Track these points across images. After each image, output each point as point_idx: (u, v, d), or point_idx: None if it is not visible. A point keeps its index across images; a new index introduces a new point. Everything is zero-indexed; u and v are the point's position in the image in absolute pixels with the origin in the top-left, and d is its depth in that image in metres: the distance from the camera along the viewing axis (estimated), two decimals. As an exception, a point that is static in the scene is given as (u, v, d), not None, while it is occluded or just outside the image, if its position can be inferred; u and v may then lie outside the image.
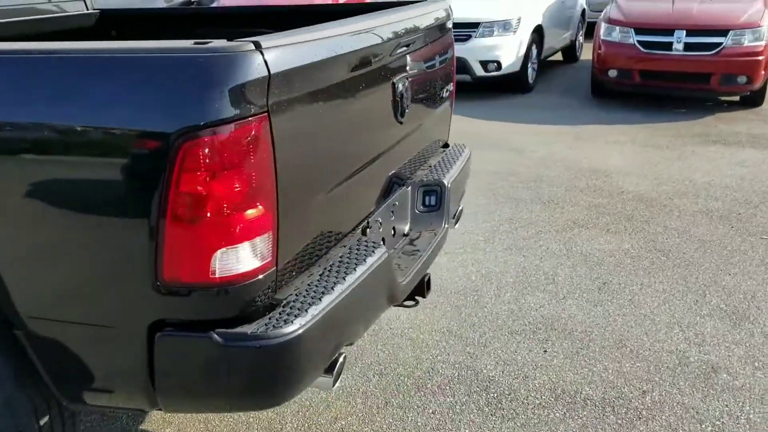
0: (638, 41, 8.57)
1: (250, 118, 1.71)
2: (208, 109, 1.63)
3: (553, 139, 7.51)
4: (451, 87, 3.38)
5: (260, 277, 1.83)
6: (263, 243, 1.81)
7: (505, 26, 9.32)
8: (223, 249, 1.72)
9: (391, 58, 2.48)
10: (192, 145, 1.64)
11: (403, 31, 2.56)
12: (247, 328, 1.82)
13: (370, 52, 2.29)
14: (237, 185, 1.72)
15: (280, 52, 1.79)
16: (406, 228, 2.92)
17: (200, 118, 1.63)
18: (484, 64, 9.25)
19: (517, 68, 9.55)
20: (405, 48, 2.60)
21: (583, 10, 12.33)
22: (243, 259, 1.77)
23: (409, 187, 2.93)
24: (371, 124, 2.43)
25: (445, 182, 3.00)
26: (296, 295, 1.98)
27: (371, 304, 2.28)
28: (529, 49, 9.63)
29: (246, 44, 1.71)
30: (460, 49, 8.94)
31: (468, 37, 9.20)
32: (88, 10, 3.92)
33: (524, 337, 3.66)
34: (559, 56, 12.09)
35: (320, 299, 1.96)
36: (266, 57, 1.73)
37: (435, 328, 3.74)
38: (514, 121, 8.34)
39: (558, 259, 4.58)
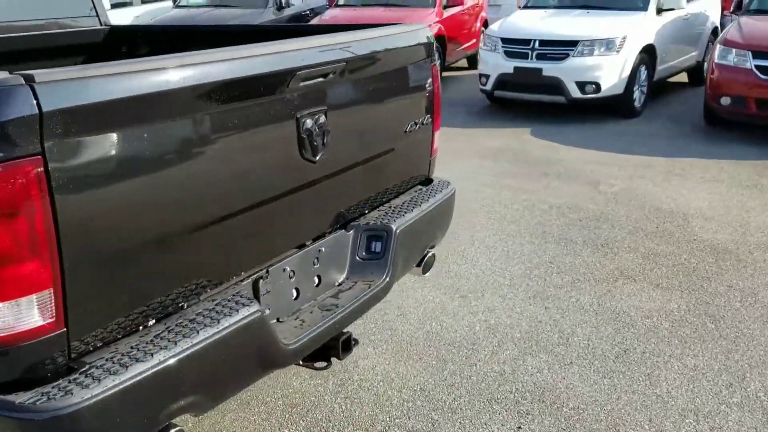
0: (756, 66, 7.60)
1: (14, 161, 1.50)
2: None
3: (640, 173, 6.80)
4: (429, 119, 3.02)
5: (42, 338, 1.63)
6: (41, 301, 1.60)
7: (608, 45, 8.62)
8: None
9: (291, 90, 2.20)
10: None
11: (309, 59, 2.25)
12: (19, 397, 1.62)
13: (241, 83, 2.02)
14: (9, 233, 1.52)
15: (60, 87, 1.57)
16: (341, 277, 2.64)
17: None
18: (581, 85, 8.64)
19: (619, 91, 8.80)
20: (321, 79, 2.31)
21: (715, 28, 11.21)
22: (11, 317, 1.57)
23: (351, 231, 2.67)
24: (245, 163, 2.11)
25: (393, 227, 2.68)
26: (108, 359, 1.75)
27: (221, 372, 1.99)
28: (635, 70, 8.83)
29: (15, 78, 1.52)
30: (554, 69, 8.48)
31: (565, 56, 8.70)
32: (101, 26, 3.94)
33: (503, 407, 3.21)
34: (683, 77, 11.07)
35: (127, 367, 1.72)
36: (38, 92, 1.52)
37: (408, 384, 3.38)
38: (603, 150, 7.66)
39: (583, 315, 4.03)
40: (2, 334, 1.59)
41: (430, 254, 3.01)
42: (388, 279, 2.62)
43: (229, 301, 2.04)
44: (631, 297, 4.26)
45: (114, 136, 1.70)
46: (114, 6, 12.65)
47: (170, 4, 13.29)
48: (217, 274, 2.11)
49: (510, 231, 5.30)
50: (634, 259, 4.81)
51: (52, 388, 1.65)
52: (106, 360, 1.75)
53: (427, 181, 3.20)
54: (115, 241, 1.75)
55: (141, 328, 1.89)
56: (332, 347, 2.51)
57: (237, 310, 2.00)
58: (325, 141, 2.34)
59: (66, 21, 3.76)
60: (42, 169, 1.55)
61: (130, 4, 13.55)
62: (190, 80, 1.84)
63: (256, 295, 2.23)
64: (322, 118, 2.32)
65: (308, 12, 12.84)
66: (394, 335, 3.82)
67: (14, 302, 1.58)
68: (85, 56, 3.73)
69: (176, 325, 1.91)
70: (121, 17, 12.05)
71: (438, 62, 2.90)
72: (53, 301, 1.63)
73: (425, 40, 2.91)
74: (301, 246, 2.47)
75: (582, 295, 4.29)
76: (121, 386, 1.68)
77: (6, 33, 3.45)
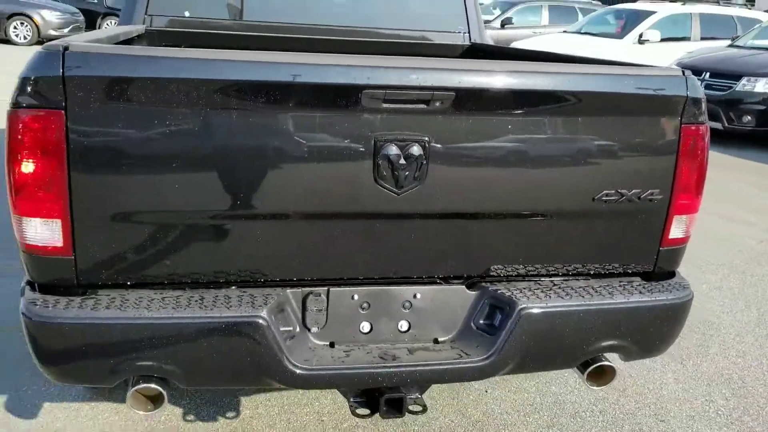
0: None
1: (41, 109, 1.72)
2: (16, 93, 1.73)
3: None
4: (658, 195, 2.13)
5: (54, 257, 1.84)
6: (53, 226, 1.81)
7: None
8: (18, 216, 1.82)
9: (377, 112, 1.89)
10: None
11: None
12: (36, 297, 1.87)
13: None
14: (34, 166, 1.75)
15: (88, 58, 1.73)
16: (445, 336, 2.16)
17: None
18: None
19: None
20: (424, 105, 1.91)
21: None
22: (30, 231, 1.82)
23: (476, 291, 2.16)
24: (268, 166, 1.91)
25: (521, 304, 2.05)
26: (107, 299, 1.88)
27: (198, 355, 1.92)
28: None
29: (58, 45, 1.73)
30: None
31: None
32: (465, 42, 3.84)
33: None
34: None
35: (113, 309, 1.84)
36: (66, 59, 1.71)
37: None
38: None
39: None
40: (56, 245, 1.83)
41: (605, 364, 2.18)
42: (487, 361, 2.06)
43: (238, 299, 1.96)
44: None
45: (130, 108, 1.77)
46: (664, 40, 11.60)
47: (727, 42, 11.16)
48: (241, 269, 1.99)
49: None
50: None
51: (57, 301, 1.85)
52: (105, 299, 1.88)
53: (654, 275, 2.29)
54: (124, 201, 1.84)
55: (148, 288, 1.94)
56: (389, 401, 2.11)
57: (236, 308, 1.91)
58: (417, 173, 1.95)
59: (433, 34, 3.79)
60: (63, 120, 1.72)
61: (687, 39, 12.06)
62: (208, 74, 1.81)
63: (304, 309, 2.05)
64: (417, 149, 1.93)
65: None
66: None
67: (35, 220, 1.80)
68: None
69: (174, 298, 1.92)
70: (674, 51, 11.17)
71: (704, 125, 2.11)
72: (62, 229, 1.81)
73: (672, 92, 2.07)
74: (388, 283, 2.12)
75: None
76: (104, 321, 1.83)
77: (369, 37, 3.65)
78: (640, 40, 11.31)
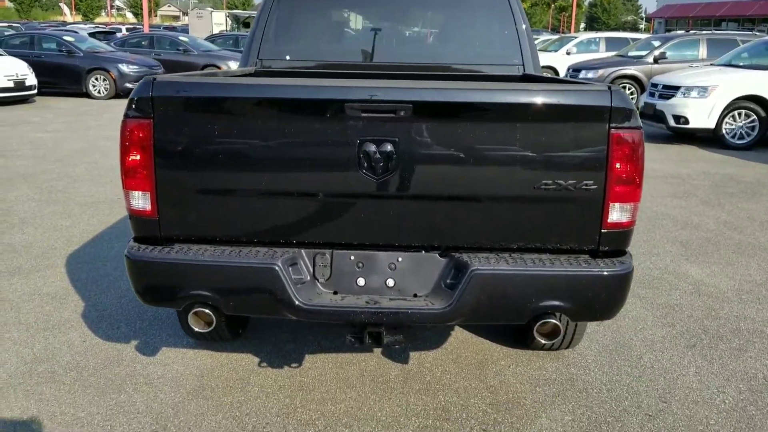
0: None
1: (140, 119, 2.59)
2: (126, 109, 2.60)
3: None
4: (592, 186, 2.56)
5: (147, 218, 2.69)
6: (146, 197, 2.66)
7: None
8: (126, 190, 2.67)
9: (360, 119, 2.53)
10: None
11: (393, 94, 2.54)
12: (134, 245, 2.74)
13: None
14: (135, 156, 2.62)
15: (165, 84, 2.58)
16: (422, 292, 2.71)
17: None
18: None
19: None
20: (392, 114, 2.52)
21: None
22: (133, 201, 2.69)
23: (445, 258, 2.71)
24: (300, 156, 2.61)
25: (472, 267, 2.58)
26: (178, 249, 2.70)
27: (233, 287, 2.66)
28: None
29: (151, 77, 2.63)
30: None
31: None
32: (518, 73, 4.32)
33: None
34: None
35: (180, 253, 2.67)
36: (155, 85, 2.56)
37: None
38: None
39: None
40: (147, 209, 2.68)
41: (550, 321, 2.68)
42: (444, 309, 2.59)
43: (263, 253, 2.68)
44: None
45: (197, 118, 2.61)
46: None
47: None
48: (267, 233, 2.71)
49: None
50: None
51: (146, 247, 2.71)
52: (177, 249, 2.70)
53: (600, 253, 2.69)
54: (191, 182, 2.65)
55: (205, 242, 2.75)
56: (371, 334, 2.73)
57: (260, 258, 2.63)
58: (390, 165, 2.55)
59: (494, 67, 4.30)
60: (151, 126, 2.57)
61: None
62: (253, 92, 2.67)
63: (313, 264, 2.74)
64: (389, 147, 2.53)
65: None
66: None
67: (136, 192, 2.66)
68: None
69: (221, 250, 2.68)
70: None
71: (633, 129, 2.53)
72: (151, 199, 2.66)
73: (598, 103, 2.52)
74: (377, 248, 2.72)
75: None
76: (173, 261, 2.65)
77: (440, 71, 4.27)
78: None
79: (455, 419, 3.04)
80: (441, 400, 3.19)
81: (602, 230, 2.64)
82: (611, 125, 2.52)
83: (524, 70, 4.25)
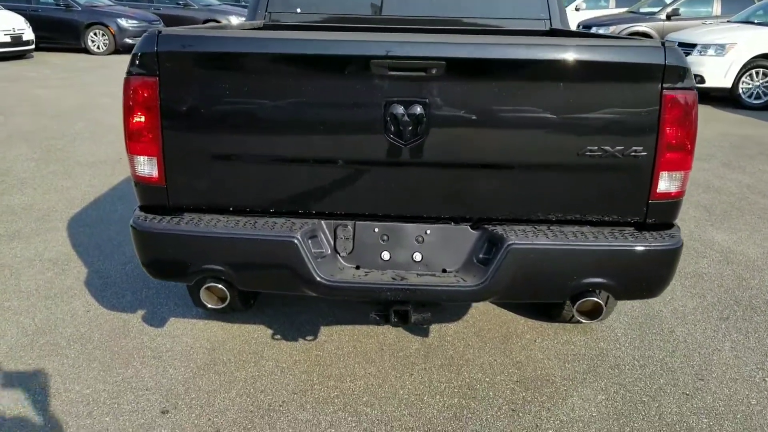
0: None
1: (143, 77, 2.36)
2: (128, 65, 2.38)
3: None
4: (642, 152, 2.36)
5: (154, 185, 2.47)
6: (152, 162, 2.45)
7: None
8: (130, 155, 2.46)
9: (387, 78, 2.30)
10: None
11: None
12: (140, 214, 2.54)
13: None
14: (140, 118, 2.40)
15: (172, 38, 2.33)
16: (452, 267, 2.52)
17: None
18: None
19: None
20: (422, 73, 2.29)
21: None
22: (139, 167, 2.48)
23: (478, 231, 2.52)
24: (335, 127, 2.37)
25: (509, 241, 2.38)
26: (188, 218, 2.50)
27: (248, 261, 2.47)
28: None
29: (155, 30, 2.38)
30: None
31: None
32: (545, 28, 4.11)
33: None
34: None
35: (191, 224, 2.47)
36: (159, 39, 2.33)
37: None
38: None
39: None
40: (153, 176, 2.47)
41: (591, 299, 2.49)
42: (477, 287, 2.40)
43: (281, 225, 2.46)
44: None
45: (207, 75, 2.36)
46: None
47: None
48: (285, 203, 2.50)
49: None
50: (705, 238, 5.07)
51: (154, 217, 2.51)
52: (188, 219, 2.50)
53: (647, 226, 2.50)
54: (201, 146, 2.42)
55: (217, 212, 2.54)
56: (397, 312, 2.56)
57: (278, 230, 2.42)
58: (419, 129, 2.34)
59: (520, 21, 4.08)
60: (157, 84, 2.34)
61: None
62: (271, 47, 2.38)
63: (335, 237, 2.53)
64: (419, 109, 2.31)
65: None
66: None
67: (142, 158, 2.45)
68: None
69: (235, 221, 2.49)
70: None
71: (688, 90, 2.31)
72: (158, 164, 2.44)
73: (651, 61, 2.29)
74: (403, 219, 2.53)
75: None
76: (184, 233, 2.44)
77: (463, 25, 4.09)
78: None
79: (482, 398, 2.87)
80: (465, 376, 3.02)
81: (650, 201, 2.43)
82: (664, 85, 2.28)
83: (551, 25, 3.98)
